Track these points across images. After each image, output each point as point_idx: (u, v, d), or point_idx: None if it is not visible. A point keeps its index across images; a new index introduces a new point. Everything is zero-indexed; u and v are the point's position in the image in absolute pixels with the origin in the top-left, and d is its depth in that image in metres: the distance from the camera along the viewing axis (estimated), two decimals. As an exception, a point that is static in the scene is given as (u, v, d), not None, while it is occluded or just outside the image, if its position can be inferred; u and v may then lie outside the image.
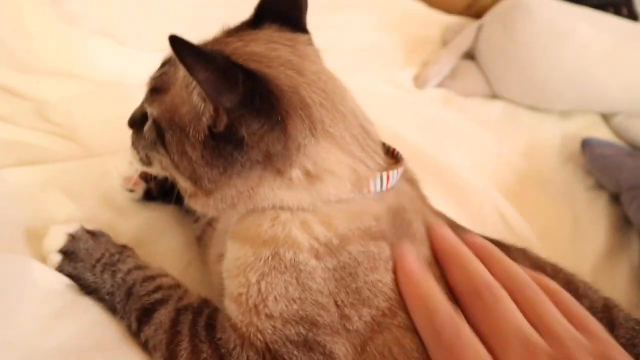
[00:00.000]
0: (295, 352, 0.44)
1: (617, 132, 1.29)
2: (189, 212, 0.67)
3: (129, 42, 0.97)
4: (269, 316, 0.45)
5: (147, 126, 0.53)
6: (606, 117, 1.33)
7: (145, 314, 0.50)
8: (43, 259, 0.55)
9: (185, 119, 0.47)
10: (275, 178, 0.46)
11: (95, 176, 0.70)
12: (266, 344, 0.44)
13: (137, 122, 0.55)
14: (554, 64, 1.20)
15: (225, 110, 0.44)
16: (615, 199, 1.11)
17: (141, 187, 0.68)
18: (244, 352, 0.45)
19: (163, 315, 0.50)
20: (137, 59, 0.92)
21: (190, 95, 0.47)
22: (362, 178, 0.49)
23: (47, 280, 0.53)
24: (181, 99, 0.48)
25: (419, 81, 1.25)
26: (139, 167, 0.58)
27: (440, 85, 1.29)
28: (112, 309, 0.53)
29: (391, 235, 0.48)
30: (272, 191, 0.47)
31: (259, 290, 0.45)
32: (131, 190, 0.68)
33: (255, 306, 0.45)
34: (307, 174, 0.47)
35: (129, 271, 0.54)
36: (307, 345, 0.44)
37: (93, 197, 0.68)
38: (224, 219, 0.56)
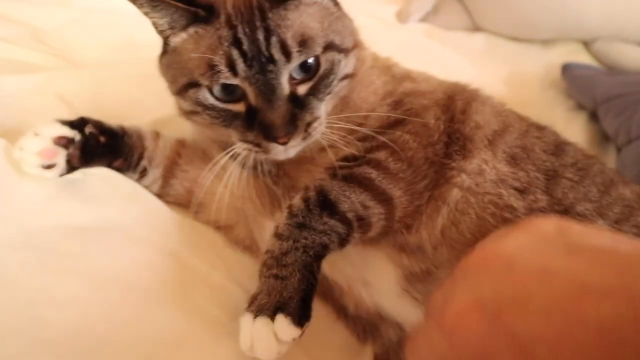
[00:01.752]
0: None
1: (597, 57, 1.31)
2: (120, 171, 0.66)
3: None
4: None
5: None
6: (587, 45, 1.36)
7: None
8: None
9: None
10: None
11: (89, 84, 0.75)
12: None
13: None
14: (532, -9, 1.23)
15: None
16: (593, 116, 1.15)
17: (62, 157, 0.57)
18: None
19: None
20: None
21: None
22: None
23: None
24: None
25: (402, 15, 1.29)
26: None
27: (423, 20, 1.32)
28: None
29: None
30: None
31: None
32: (49, 167, 0.57)
33: None
34: None
35: None
36: None
37: (86, 103, 0.73)
38: None
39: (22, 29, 0.83)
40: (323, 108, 0.56)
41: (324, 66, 0.55)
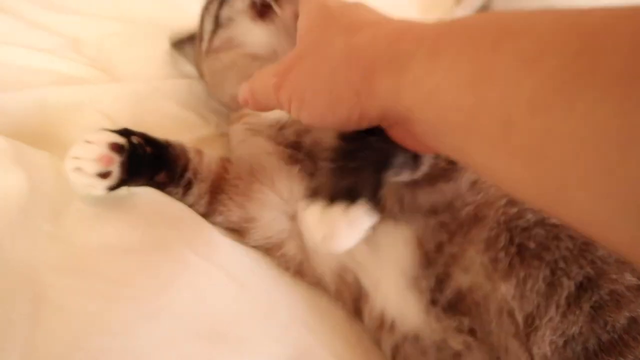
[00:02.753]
0: None
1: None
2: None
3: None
4: None
5: None
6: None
7: None
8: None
9: None
10: None
11: (129, 99, 0.74)
12: None
13: None
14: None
15: None
16: None
17: (117, 164, 0.54)
18: None
19: None
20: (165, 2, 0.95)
21: None
22: None
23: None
24: None
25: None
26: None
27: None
28: None
29: None
30: None
31: None
32: (105, 176, 0.53)
33: None
34: None
35: None
36: None
37: (126, 118, 0.71)
38: None
39: (63, 39, 0.82)
40: None
41: None
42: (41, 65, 0.74)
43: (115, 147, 0.55)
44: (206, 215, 0.64)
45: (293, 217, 0.63)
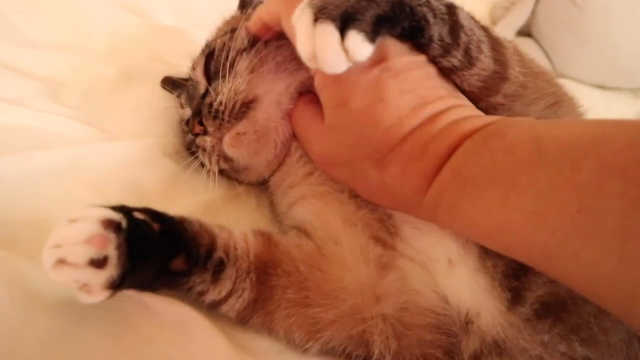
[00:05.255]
0: None
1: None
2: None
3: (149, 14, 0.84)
4: None
5: None
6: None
7: None
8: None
9: None
10: None
11: (119, 163, 0.57)
12: None
13: None
14: (631, 32, 1.06)
15: None
16: None
17: (113, 247, 0.38)
18: None
19: None
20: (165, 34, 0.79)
21: None
22: None
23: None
24: None
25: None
26: None
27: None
28: None
29: None
30: None
31: None
32: (101, 264, 0.37)
33: None
34: None
35: None
36: None
37: (116, 187, 0.55)
38: None
39: (36, 84, 0.65)
40: None
41: None
42: (7, 122, 0.57)
43: (110, 225, 0.38)
44: (256, 301, 0.47)
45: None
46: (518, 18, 1.20)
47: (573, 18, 1.11)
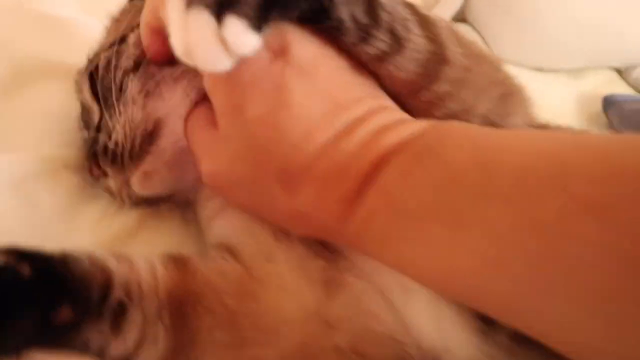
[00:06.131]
0: None
1: (636, 86, 1.15)
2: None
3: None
4: None
5: None
6: (621, 72, 1.19)
7: None
8: None
9: None
10: None
11: (12, 179, 0.49)
12: None
13: None
14: (564, 15, 1.06)
15: None
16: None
17: None
18: None
19: None
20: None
21: None
22: None
23: None
24: None
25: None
26: None
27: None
28: None
29: None
30: None
31: None
32: None
33: None
34: None
35: None
36: None
37: (8, 209, 0.48)
38: None
39: None
40: None
41: None
42: None
43: None
44: (175, 350, 0.38)
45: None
46: (452, 4, 1.18)
47: (505, 1, 1.10)
